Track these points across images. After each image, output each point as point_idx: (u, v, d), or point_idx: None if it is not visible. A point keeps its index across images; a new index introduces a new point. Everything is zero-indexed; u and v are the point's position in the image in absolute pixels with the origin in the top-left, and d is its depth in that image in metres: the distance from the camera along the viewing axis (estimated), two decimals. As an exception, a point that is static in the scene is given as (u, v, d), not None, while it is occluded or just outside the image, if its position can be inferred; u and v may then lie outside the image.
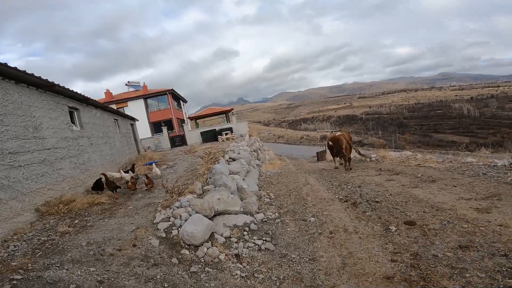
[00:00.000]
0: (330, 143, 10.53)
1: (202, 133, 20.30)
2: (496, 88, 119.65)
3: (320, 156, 21.97)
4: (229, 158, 8.83)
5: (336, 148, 10.25)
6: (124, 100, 28.04)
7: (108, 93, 29.17)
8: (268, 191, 7.33)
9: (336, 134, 10.94)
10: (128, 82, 31.92)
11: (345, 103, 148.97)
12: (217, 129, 20.16)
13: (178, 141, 20.67)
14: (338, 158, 11.00)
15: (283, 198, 6.69)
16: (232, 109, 22.40)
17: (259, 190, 7.22)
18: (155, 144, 20.21)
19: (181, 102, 32.76)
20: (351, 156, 10.80)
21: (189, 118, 23.72)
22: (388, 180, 6.99)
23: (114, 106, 27.89)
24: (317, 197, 6.46)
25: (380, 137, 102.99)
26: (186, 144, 20.15)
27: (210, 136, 19.75)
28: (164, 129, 20.88)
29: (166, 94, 27.48)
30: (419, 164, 8.56)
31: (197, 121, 25.30)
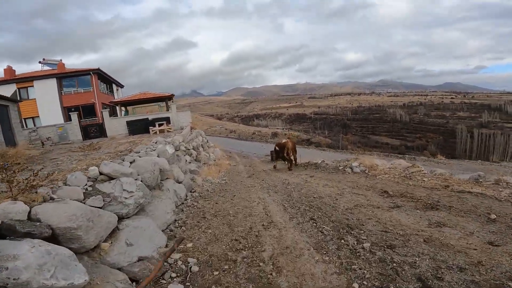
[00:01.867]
0: (277, 148, 12.47)
1: (128, 123, 16.50)
2: (425, 97, 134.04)
3: (275, 156, 19.94)
4: (98, 176, 3.99)
5: (281, 153, 12.30)
6: (29, 78, 22.37)
7: (8, 69, 23.07)
8: (190, 244, 3.82)
9: (283, 141, 12.80)
10: (44, 59, 25.82)
11: (296, 102, 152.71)
12: (150, 118, 16.55)
13: (94, 131, 16.56)
14: (283, 161, 12.75)
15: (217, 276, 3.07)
16: (171, 95, 18.93)
17: (167, 244, 3.78)
18: (58, 134, 15.68)
19: (115, 86, 27.77)
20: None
21: (111, 103, 19.42)
22: (438, 229, 3.79)
23: (14, 86, 22.23)
24: (302, 274, 2.98)
25: (326, 136, 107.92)
26: (106, 136, 16.21)
27: (140, 127, 16.11)
28: (74, 115, 16.43)
29: (90, 74, 22.58)
30: (453, 189, 5.47)
31: (127, 108, 21.09)
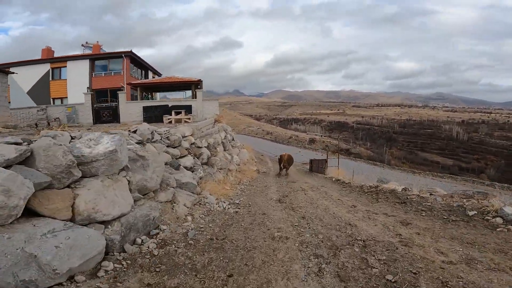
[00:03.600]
0: (286, 156, 13.76)
1: (145, 109, 13.70)
2: (488, 114, 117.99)
3: (316, 166, 15.78)
4: None
5: (287, 162, 13.73)
6: (62, 59, 21.28)
7: (46, 50, 22.39)
8: None
9: (282, 154, 14.36)
10: (86, 43, 24.73)
11: (338, 110, 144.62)
12: (170, 105, 13.57)
13: (107, 115, 14.03)
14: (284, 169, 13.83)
15: None
16: (199, 81, 15.82)
17: None
18: (66, 114, 13.41)
19: (151, 73, 25.81)
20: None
21: (130, 84, 16.87)
22: None
23: (48, 66, 21.34)
24: None
25: (368, 148, 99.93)
26: (119, 121, 13.59)
27: (158, 114, 13.20)
28: (87, 96, 14.10)
29: (122, 56, 20.66)
30: None
31: (153, 93, 18.46)
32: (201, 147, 8.46)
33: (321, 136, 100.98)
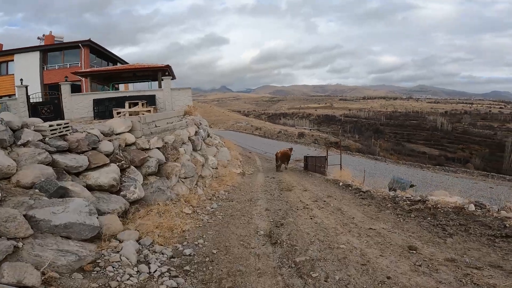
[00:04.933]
0: (279, 154, 14.05)
1: (97, 102, 10.51)
2: (470, 105, 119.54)
3: (312, 165, 12.94)
4: None
5: (284, 158, 14.09)
6: (9, 52, 17.71)
7: None
8: None
9: (285, 149, 14.89)
10: (44, 35, 20.85)
11: (326, 103, 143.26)
12: (127, 96, 10.41)
13: (47, 111, 10.73)
14: (283, 164, 14.09)
15: None
16: (166, 67, 12.62)
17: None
18: None
19: (118, 64, 22.19)
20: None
21: (77, 74, 13.38)
22: None
23: None
24: None
25: (356, 140, 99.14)
26: (62, 118, 10.32)
27: (113, 108, 9.98)
28: (21, 89, 10.80)
29: (79, 46, 17.17)
30: None
31: (109, 85, 14.97)
32: (149, 149, 5.39)
33: (310, 130, 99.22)
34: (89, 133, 3.96)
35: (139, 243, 3.15)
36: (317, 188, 8.09)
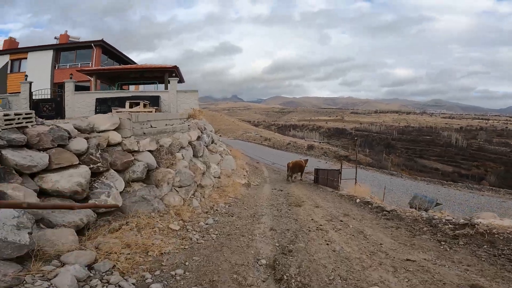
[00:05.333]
0: (291, 164, 13.66)
1: (100, 101, 10.04)
2: (486, 121, 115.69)
3: (323, 178, 11.96)
4: None
5: (295, 169, 13.66)
6: (24, 49, 17.84)
7: (8, 41, 19.28)
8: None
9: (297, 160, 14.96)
10: (60, 36, 21.11)
11: (336, 116, 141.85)
12: (130, 96, 9.90)
13: (48, 109, 10.32)
14: (295, 174, 13.78)
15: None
16: (175, 68, 12.09)
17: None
18: None
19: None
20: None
21: (82, 71, 13.02)
22: None
23: (7, 58, 18.09)
24: None
25: (367, 154, 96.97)
26: (63, 117, 9.90)
27: (116, 107, 9.46)
28: (24, 86, 10.49)
29: (91, 46, 17.07)
30: None
31: (117, 85, 14.57)
32: (138, 151, 4.62)
33: (320, 142, 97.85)
34: (57, 127, 3.22)
35: (92, 268, 2.31)
36: (330, 204, 7.08)
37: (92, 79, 13.04)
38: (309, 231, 4.45)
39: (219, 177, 8.07)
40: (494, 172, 73.40)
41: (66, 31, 20.22)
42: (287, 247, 3.66)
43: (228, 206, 6.23)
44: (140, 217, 3.72)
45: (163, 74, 12.63)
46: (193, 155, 7.06)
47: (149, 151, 4.93)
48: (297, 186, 12.10)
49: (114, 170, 4.03)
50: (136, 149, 4.56)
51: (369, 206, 6.26)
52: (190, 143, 7.18)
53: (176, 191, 5.41)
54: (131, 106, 8.61)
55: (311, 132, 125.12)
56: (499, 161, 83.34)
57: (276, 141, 79.79)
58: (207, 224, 4.69)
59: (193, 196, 5.92)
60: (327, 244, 3.78)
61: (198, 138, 8.00)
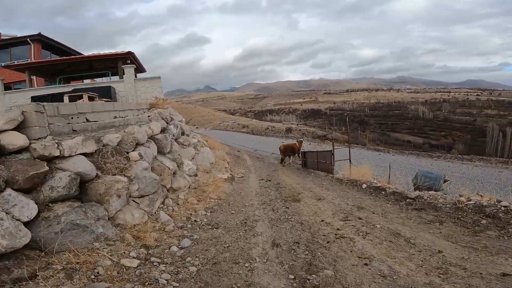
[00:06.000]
0: (282, 147, 13.60)
1: (36, 99, 7.89)
2: (448, 94, 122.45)
3: (313, 161, 10.84)
4: None
5: (287, 151, 13.35)
6: None
7: None
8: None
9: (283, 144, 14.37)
10: None
11: (310, 98, 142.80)
12: (75, 89, 7.88)
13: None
14: (287, 158, 13.39)
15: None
16: (129, 54, 10.10)
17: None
18: None
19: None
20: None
21: (9, 67, 10.68)
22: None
23: None
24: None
25: (343, 132, 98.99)
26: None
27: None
28: None
29: (28, 42, 14.30)
30: None
31: (63, 81, 12.15)
32: (63, 157, 3.00)
33: (297, 124, 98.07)
34: None
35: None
36: (333, 194, 5.89)
37: (26, 75, 10.60)
38: (327, 242, 3.16)
39: (195, 175, 6.54)
40: (461, 141, 78.14)
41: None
42: (308, 279, 2.34)
43: (211, 212, 4.80)
44: (74, 253, 2.21)
45: (116, 63, 10.51)
46: (157, 152, 5.47)
47: (84, 154, 3.31)
48: (285, 173, 10.90)
49: (15, 189, 2.42)
50: (57, 154, 2.93)
51: (383, 192, 5.12)
52: (152, 137, 5.55)
53: (136, 203, 3.88)
54: (74, 99, 6.70)
55: (287, 115, 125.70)
56: (464, 130, 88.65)
57: (254, 127, 78.63)
58: (182, 248, 3.25)
59: (161, 206, 4.41)
60: (365, 264, 2.52)
61: (163, 130, 6.37)
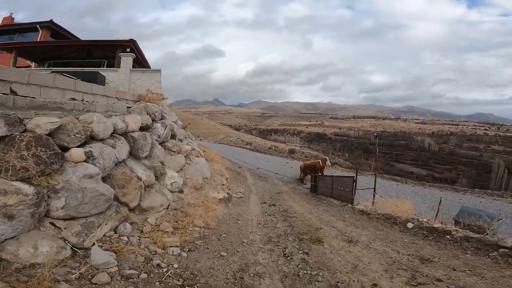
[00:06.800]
0: (302, 166, 13.36)
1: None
2: (456, 126, 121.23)
3: (326, 188, 9.15)
4: None
5: (308, 171, 12.57)
6: None
7: None
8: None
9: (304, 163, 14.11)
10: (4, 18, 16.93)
11: (317, 121, 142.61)
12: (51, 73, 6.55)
13: None
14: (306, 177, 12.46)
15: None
16: (130, 42, 8.90)
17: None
18: None
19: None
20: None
21: None
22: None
23: None
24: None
25: (346, 159, 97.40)
26: None
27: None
28: None
29: (37, 29, 13.41)
30: None
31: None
32: None
33: (301, 147, 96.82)
34: None
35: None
36: (365, 233, 4.20)
37: (12, 56, 9.39)
38: None
39: (180, 191, 4.93)
40: (465, 175, 76.06)
41: (11, 13, 16.13)
42: None
43: (188, 251, 3.14)
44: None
45: (115, 51, 9.28)
46: (129, 155, 3.91)
47: None
48: (292, 197, 9.20)
49: None
50: None
51: (447, 237, 3.44)
52: (125, 134, 4.02)
53: (56, 228, 2.27)
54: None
55: (292, 137, 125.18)
56: (470, 165, 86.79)
57: (258, 145, 77.49)
58: None
59: (110, 234, 2.79)
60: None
61: (146, 128, 4.85)
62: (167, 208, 4.24)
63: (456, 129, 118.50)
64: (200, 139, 49.53)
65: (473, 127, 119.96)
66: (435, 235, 3.67)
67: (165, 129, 5.41)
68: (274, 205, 7.19)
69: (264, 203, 7.52)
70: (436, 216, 5.13)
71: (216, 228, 4.27)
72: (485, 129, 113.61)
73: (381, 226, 4.61)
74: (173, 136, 5.96)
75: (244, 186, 10.87)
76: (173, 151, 5.48)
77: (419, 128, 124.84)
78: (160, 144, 5.19)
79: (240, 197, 8.12)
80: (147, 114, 5.23)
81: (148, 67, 12.57)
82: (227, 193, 7.14)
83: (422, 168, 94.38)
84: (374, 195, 7.33)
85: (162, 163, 4.76)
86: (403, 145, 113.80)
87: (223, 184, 7.65)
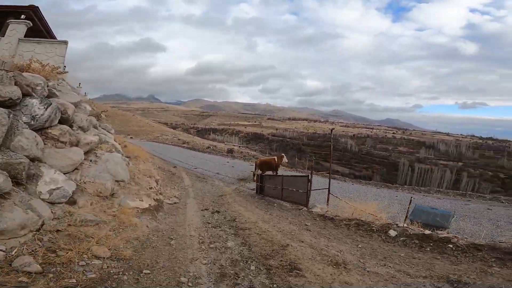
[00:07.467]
0: (258, 162, 12.74)
1: None
2: (371, 130, 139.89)
3: (275, 189, 8.11)
4: None
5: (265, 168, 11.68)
6: None
7: None
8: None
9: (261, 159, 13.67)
10: None
11: (255, 122, 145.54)
12: None
13: None
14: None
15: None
16: (31, 8, 6.23)
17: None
18: None
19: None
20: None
21: None
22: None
23: None
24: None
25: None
26: None
27: None
28: None
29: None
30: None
31: None
32: None
33: (239, 146, 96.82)
34: None
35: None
36: (345, 247, 3.19)
37: None
38: None
39: (71, 202, 3.06)
40: (378, 173, 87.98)
41: None
42: None
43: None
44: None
45: (5, 18, 6.37)
46: None
47: None
48: (237, 200, 7.91)
49: None
50: None
51: (449, 246, 2.65)
52: None
53: None
54: None
55: (231, 136, 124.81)
56: (382, 163, 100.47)
57: (195, 144, 73.96)
58: None
59: None
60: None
61: (8, 104, 2.82)
62: (39, 230, 2.39)
63: (371, 132, 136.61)
64: (131, 137, 43.79)
65: (384, 131, 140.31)
66: (431, 244, 2.91)
67: (46, 109, 3.38)
68: (218, 212, 5.76)
69: (206, 209, 6.03)
70: (406, 218, 4.56)
71: (133, 258, 2.63)
72: (393, 133, 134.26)
73: (357, 236, 3.70)
74: (64, 121, 3.91)
75: (180, 189, 9.08)
76: (63, 142, 3.51)
77: (343, 131, 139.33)
78: (37, 130, 3.17)
79: (175, 202, 6.40)
80: (16, 85, 3.14)
81: (30, 20, 9.44)
82: (156, 199, 5.36)
83: (345, 167, 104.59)
84: (328, 197, 6.62)
85: (34, 158, 2.80)
86: (330, 145, 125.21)
87: (150, 188, 5.80)
